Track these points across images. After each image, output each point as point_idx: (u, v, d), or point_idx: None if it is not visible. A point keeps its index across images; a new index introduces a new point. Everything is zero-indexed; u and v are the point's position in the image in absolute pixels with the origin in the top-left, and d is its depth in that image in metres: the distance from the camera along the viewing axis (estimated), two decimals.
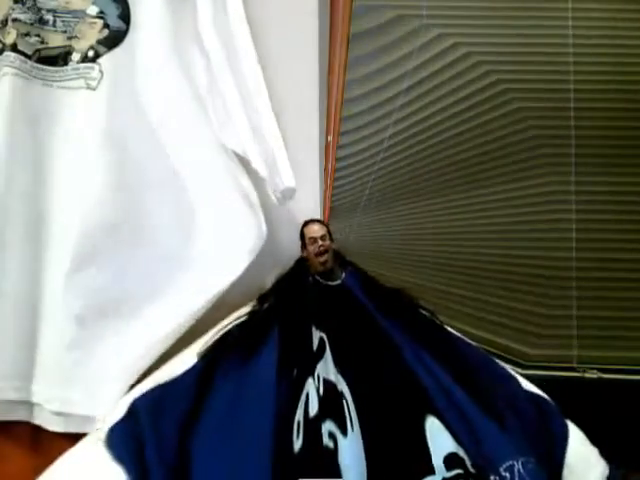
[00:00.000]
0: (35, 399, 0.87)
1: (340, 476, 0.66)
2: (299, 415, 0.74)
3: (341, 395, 0.77)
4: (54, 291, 0.88)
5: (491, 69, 1.22)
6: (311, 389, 0.77)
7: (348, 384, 0.79)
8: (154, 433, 0.70)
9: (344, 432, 0.71)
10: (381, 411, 0.76)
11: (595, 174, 1.22)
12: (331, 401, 0.76)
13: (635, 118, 1.22)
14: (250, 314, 0.91)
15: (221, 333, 0.87)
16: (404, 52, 1.23)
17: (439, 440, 0.73)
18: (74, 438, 0.76)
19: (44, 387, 0.87)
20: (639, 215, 1.21)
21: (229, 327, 0.88)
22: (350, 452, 0.69)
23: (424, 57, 1.23)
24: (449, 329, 0.97)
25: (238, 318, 0.91)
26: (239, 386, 0.79)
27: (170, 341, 0.90)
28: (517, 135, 1.22)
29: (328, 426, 0.72)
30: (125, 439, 0.70)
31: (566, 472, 0.80)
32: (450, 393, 0.81)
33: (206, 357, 0.82)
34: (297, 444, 0.70)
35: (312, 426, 0.72)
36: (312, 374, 0.79)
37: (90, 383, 0.86)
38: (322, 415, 0.73)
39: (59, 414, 0.85)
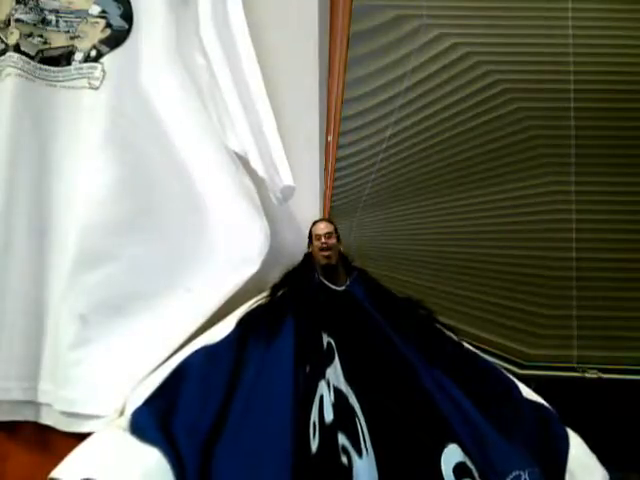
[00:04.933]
0: (42, 399, 0.87)
1: None
2: (314, 415, 0.75)
3: (352, 410, 0.76)
4: (58, 291, 0.88)
5: (491, 69, 1.23)
6: (325, 392, 0.78)
7: (358, 400, 0.78)
8: (194, 393, 0.76)
9: (359, 453, 0.71)
10: (398, 439, 0.74)
11: (595, 174, 1.22)
12: (343, 414, 0.75)
13: (635, 118, 1.22)
14: (267, 298, 0.94)
15: (251, 308, 0.92)
16: (404, 52, 1.24)
17: (450, 452, 0.74)
18: (79, 437, 0.77)
19: (51, 387, 0.87)
20: (639, 215, 1.21)
21: (253, 307, 0.92)
22: (364, 475, 0.69)
23: (424, 57, 1.24)
24: (465, 344, 0.95)
25: (253, 304, 0.94)
26: (263, 364, 0.82)
27: (180, 340, 0.89)
28: (517, 135, 1.22)
29: (341, 439, 0.72)
30: (150, 418, 0.72)
31: (568, 478, 0.81)
32: (465, 411, 0.81)
33: (241, 325, 0.88)
34: (314, 444, 0.72)
35: (328, 434, 0.72)
36: (323, 377, 0.80)
37: (96, 383, 0.86)
38: (336, 426, 0.73)
39: (66, 414, 0.86)
